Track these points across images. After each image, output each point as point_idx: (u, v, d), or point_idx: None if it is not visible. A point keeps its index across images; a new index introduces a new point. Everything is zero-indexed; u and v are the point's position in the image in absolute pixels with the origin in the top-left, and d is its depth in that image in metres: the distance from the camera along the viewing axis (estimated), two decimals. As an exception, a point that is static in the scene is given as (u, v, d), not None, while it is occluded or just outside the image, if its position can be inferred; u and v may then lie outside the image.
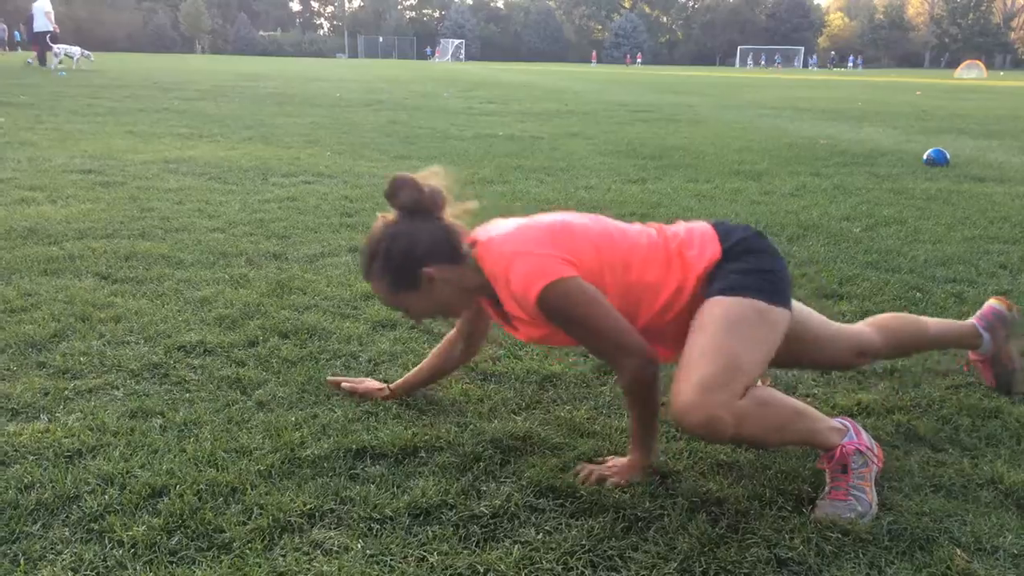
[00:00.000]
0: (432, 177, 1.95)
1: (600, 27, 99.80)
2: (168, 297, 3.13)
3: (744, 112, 13.47)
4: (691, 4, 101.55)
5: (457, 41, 75.68)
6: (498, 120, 10.87)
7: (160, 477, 1.85)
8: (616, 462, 1.95)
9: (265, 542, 1.63)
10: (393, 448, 2.03)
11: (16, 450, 1.94)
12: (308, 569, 1.56)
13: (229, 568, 1.55)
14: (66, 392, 2.28)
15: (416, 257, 1.90)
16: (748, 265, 1.89)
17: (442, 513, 1.76)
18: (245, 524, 1.69)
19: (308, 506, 1.76)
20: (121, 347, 2.62)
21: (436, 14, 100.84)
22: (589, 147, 8.17)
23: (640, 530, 1.73)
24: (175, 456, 1.95)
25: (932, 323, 2.39)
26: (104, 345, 2.62)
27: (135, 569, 1.53)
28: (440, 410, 2.26)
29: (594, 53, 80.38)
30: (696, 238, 1.95)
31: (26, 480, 1.81)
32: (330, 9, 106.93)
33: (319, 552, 1.61)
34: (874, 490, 1.84)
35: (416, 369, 2.36)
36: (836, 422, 1.92)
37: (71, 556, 1.56)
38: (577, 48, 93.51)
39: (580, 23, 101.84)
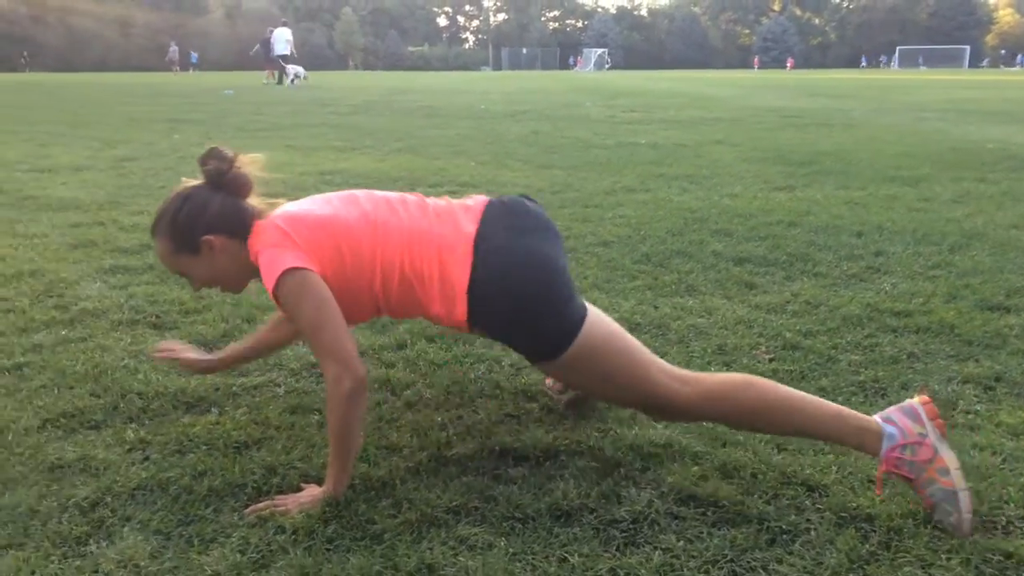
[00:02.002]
0: (250, 163, 2.01)
1: (748, 32, 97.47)
2: (324, 301, 3.30)
3: (903, 115, 12.83)
4: (845, 4, 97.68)
5: (600, 50, 75.68)
6: (641, 128, 10.81)
7: (317, 470, 1.96)
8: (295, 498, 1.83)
9: (414, 535, 1.71)
10: (535, 450, 2.07)
11: (191, 440, 2.11)
12: (454, 563, 1.62)
13: (381, 558, 1.63)
14: (233, 388, 2.45)
15: (202, 224, 1.93)
16: (520, 330, 1.89)
17: (582, 516, 1.78)
18: (395, 517, 1.77)
19: (454, 503, 1.82)
20: (282, 347, 2.78)
21: (579, 24, 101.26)
22: (734, 154, 8.00)
23: (785, 543, 1.69)
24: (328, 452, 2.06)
25: (809, 401, 1.85)
26: (267, 345, 2.79)
27: (295, 554, 1.63)
28: (581, 416, 2.28)
29: (756, 59, 78.62)
30: (449, 269, 1.87)
31: (199, 468, 1.96)
32: (475, 23, 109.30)
33: (464, 547, 1.67)
34: (947, 455, 1.72)
35: (246, 339, 2.39)
36: (861, 418, 1.80)
37: (239, 539, 1.68)
38: (723, 54, 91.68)
39: (726, 28, 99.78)
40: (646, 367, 1.89)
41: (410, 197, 2.04)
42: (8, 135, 9.10)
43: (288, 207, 2.00)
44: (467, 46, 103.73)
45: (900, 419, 1.78)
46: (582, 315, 1.88)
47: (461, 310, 1.86)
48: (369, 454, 2.04)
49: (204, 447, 2.07)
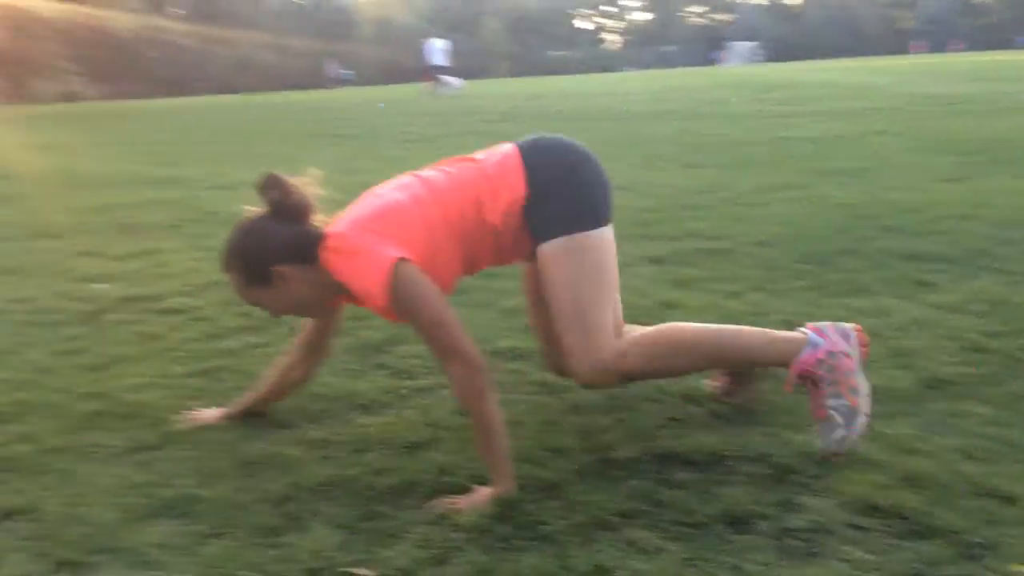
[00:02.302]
0: (306, 184, 2.02)
1: (910, 15, 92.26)
2: (484, 306, 3.39)
3: (1087, 96, 11.83)
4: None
5: (748, 44, 73.67)
6: (794, 122, 10.46)
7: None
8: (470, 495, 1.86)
9: (584, 537, 1.73)
10: (701, 455, 2.05)
11: (368, 440, 2.22)
12: (625, 566, 1.63)
13: (554, 558, 1.66)
14: (402, 390, 2.55)
15: (268, 255, 1.94)
16: (555, 208, 1.99)
17: (756, 523, 1.76)
18: (565, 519, 1.80)
19: (622, 506, 1.83)
20: (446, 352, 2.87)
21: (726, 18, 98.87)
22: (898, 144, 7.62)
23: (979, 557, 1.61)
24: (499, 452, 2.12)
25: (725, 332, 2.09)
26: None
27: (471, 551, 1.69)
28: (747, 419, 2.25)
29: (913, 44, 74.03)
30: (502, 175, 2.03)
31: (377, 466, 2.06)
32: (616, 24, 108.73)
33: (635, 551, 1.68)
34: (860, 380, 1.84)
35: (258, 389, 2.35)
36: (792, 334, 1.92)
37: (419, 536, 1.76)
38: (882, 40, 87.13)
39: (883, 12, 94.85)
40: (604, 307, 2.02)
41: (439, 168, 2.14)
42: (190, 156, 9.80)
43: (349, 215, 2.02)
44: (608, 47, 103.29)
45: (832, 333, 1.90)
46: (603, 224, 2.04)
47: (515, 186, 2.02)
48: (536, 456, 2.09)
49: (380, 447, 2.18)
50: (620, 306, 2.23)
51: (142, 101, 28.60)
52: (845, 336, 1.93)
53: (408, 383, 2.61)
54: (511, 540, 1.74)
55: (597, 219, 2.03)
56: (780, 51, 75.48)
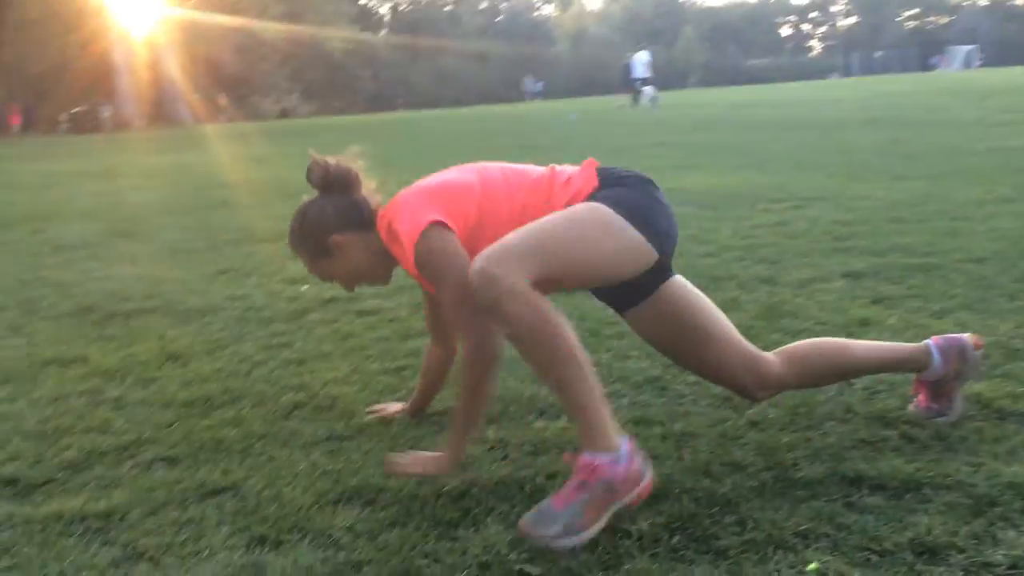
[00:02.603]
0: (348, 158, 2.12)
1: None
2: (666, 317, 3.34)
3: None
4: None
5: (968, 47, 68.44)
6: (1017, 130, 9.61)
7: (660, 480, 1.99)
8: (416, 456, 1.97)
9: (760, 555, 1.67)
10: (893, 480, 1.93)
11: (543, 443, 2.25)
12: (803, 588, 1.56)
13: (725, 573, 1.62)
14: (581, 397, 2.57)
15: (324, 226, 2.06)
16: (619, 191, 1.92)
17: (950, 555, 1.63)
18: (740, 535, 1.75)
19: (802, 527, 1.76)
20: (625, 360, 2.87)
21: (942, 21, 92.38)
22: None
23: None
24: (673, 463, 2.09)
25: (860, 346, 2.25)
26: (611, 358, 2.90)
27: (642, 559, 1.68)
28: (947, 446, 2.09)
29: None
30: (578, 174, 2.01)
31: (551, 469, 2.08)
32: (821, 30, 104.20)
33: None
34: (601, 520, 1.70)
35: (416, 392, 2.47)
36: (615, 432, 1.75)
37: (590, 541, 1.77)
38: (1125, 38, 78.28)
39: None
40: (732, 329, 2.07)
41: (514, 166, 2.14)
42: (389, 167, 10.33)
43: (420, 182, 2.08)
44: (812, 54, 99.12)
45: (636, 465, 1.75)
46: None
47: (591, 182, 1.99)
48: (712, 470, 2.04)
49: (555, 451, 2.20)
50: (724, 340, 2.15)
51: (348, 116, 30.47)
52: (639, 476, 1.77)
53: (586, 390, 2.62)
54: (682, 552, 1.71)
55: (650, 232, 1.89)
56: (1003, 54, 69.59)
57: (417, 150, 13.30)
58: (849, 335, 2.98)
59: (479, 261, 1.71)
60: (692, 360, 2.18)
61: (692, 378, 2.67)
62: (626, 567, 1.66)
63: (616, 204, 1.87)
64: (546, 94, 51.63)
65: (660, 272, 2.05)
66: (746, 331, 3.05)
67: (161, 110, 38.34)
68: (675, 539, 1.75)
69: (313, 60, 47.64)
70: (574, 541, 1.68)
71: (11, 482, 2.18)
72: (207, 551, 1.81)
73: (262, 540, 1.84)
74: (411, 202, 1.97)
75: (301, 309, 3.77)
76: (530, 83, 46.13)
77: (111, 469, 2.23)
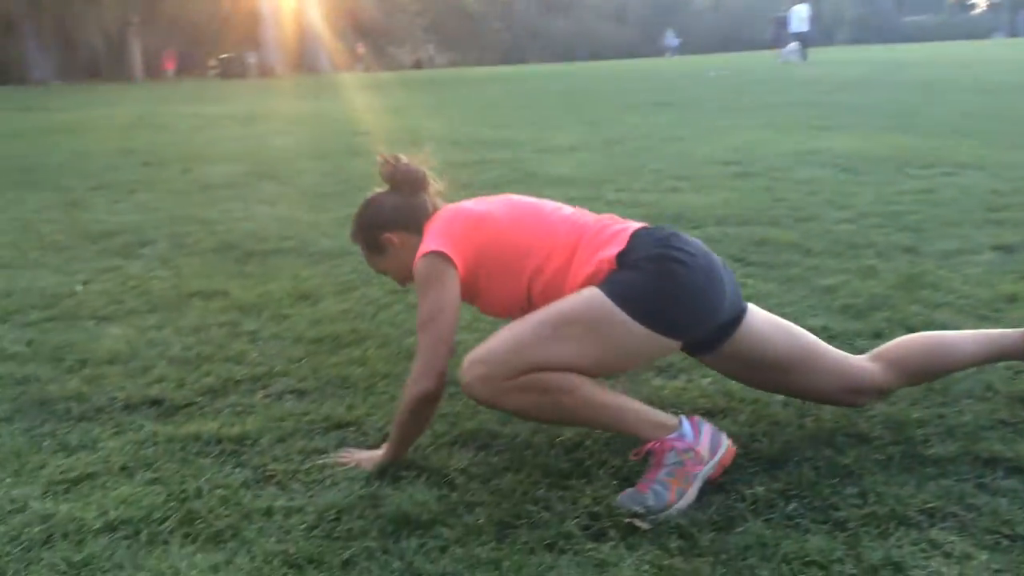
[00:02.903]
0: (419, 159, 2.12)
1: None
2: (796, 282, 3.24)
3: None
4: None
5: None
6: None
7: (779, 447, 1.95)
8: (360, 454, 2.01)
9: (880, 529, 1.62)
10: (1033, 464, 1.82)
11: (660, 401, 2.23)
12: (925, 566, 1.50)
13: (843, 544, 1.57)
14: (701, 358, 2.53)
15: (379, 223, 2.09)
16: (631, 278, 1.81)
17: (1091, 546, 1.53)
18: (860, 508, 1.69)
19: (928, 504, 1.69)
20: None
21: None
22: None
23: None
24: (795, 431, 2.04)
25: (957, 336, 2.15)
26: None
27: (755, 524, 1.65)
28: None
29: None
30: (604, 241, 1.89)
31: (667, 428, 2.07)
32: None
33: (938, 553, 1.54)
34: (689, 490, 1.74)
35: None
36: (665, 417, 1.82)
37: (701, 499, 1.74)
38: None
39: None
40: (845, 360, 1.99)
41: (567, 208, 2.05)
42: (518, 120, 10.35)
43: (459, 204, 2.07)
44: (976, 12, 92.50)
45: (705, 436, 1.80)
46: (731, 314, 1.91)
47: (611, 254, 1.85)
48: (835, 440, 1.98)
49: (672, 409, 2.18)
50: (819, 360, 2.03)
51: (481, 68, 30.59)
52: (703, 447, 1.78)
53: (707, 351, 2.58)
54: (798, 519, 1.67)
55: (664, 326, 1.81)
56: None
57: (549, 104, 13.25)
58: (994, 311, 2.82)
59: (468, 365, 1.79)
60: (783, 389, 2.12)
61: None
62: (738, 530, 1.64)
63: (622, 298, 1.79)
64: (683, 50, 50.22)
65: (722, 331, 1.94)
66: (883, 301, 2.94)
67: (303, 59, 39.51)
68: (791, 506, 1.71)
69: (448, 11, 47.91)
70: (667, 513, 1.71)
71: (156, 403, 2.33)
72: (330, 480, 1.90)
73: (381, 474, 1.91)
74: (438, 225, 2.01)
75: (428, 256, 3.85)
76: (670, 38, 44.82)
77: (245, 397, 2.36)
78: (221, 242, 4.26)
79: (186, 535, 1.70)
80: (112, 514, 1.76)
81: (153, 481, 1.91)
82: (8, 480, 1.93)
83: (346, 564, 1.59)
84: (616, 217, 2.01)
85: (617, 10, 61.57)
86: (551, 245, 1.93)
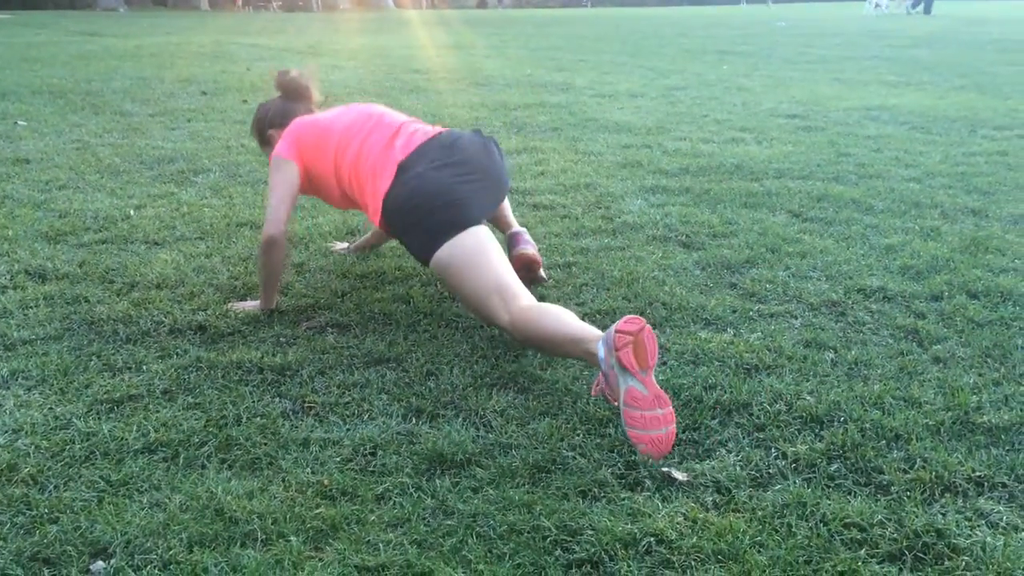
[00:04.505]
0: (307, 75, 2.74)
1: None
2: (854, 240, 3.14)
3: None
4: None
5: None
6: None
7: (825, 406, 1.90)
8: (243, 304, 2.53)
9: (925, 495, 1.57)
10: (1092, 440, 1.75)
11: (705, 354, 2.19)
12: (969, 536, 1.46)
13: (884, 508, 1.53)
14: (750, 313, 2.47)
15: (266, 122, 2.71)
16: (406, 236, 2.31)
17: None
18: (906, 472, 1.64)
19: (977, 473, 1.63)
20: (804, 281, 2.72)
21: None
22: None
23: None
24: (842, 391, 1.98)
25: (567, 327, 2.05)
26: (789, 277, 2.76)
27: (795, 482, 1.62)
28: None
29: None
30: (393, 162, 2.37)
31: (710, 381, 2.03)
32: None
33: (984, 522, 1.49)
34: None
35: (361, 239, 3.05)
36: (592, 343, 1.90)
37: (740, 455, 1.72)
38: None
39: None
40: (488, 293, 2.14)
41: (389, 119, 2.51)
42: (579, 64, 10.15)
43: (310, 116, 2.60)
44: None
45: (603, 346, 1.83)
46: (447, 240, 2.20)
47: (376, 212, 2.35)
48: (884, 402, 1.92)
49: (716, 363, 2.14)
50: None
51: (548, 10, 30.06)
52: (609, 347, 1.77)
53: (757, 306, 2.52)
54: (839, 480, 1.63)
55: (461, 228, 2.21)
56: None
57: (612, 49, 12.97)
58: (1064, 279, 2.69)
59: (519, 319, 2.07)
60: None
61: (875, 305, 2.51)
62: (777, 487, 1.61)
63: (421, 251, 2.27)
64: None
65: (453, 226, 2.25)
66: (944, 263, 2.84)
67: (366, -6, 39.24)
68: (833, 467, 1.67)
69: (516, -50, 47.05)
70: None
71: (201, 329, 2.36)
72: (367, 415, 1.90)
73: (419, 412, 1.91)
74: (283, 134, 2.53)
75: (478, 197, 3.81)
76: None
77: (288, 328, 2.37)
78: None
79: (223, 461, 1.72)
80: (152, 436, 1.79)
81: (194, 406, 1.93)
82: (54, 397, 1.97)
83: (379, 498, 1.60)
84: (420, 124, 2.51)
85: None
86: (361, 160, 2.41)
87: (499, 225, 2.74)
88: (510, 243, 2.67)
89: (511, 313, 2.09)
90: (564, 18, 23.82)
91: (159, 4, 29.74)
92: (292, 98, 2.73)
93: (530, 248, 2.63)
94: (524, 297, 2.13)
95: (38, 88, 7.02)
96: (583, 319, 2.41)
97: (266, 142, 2.74)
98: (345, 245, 3.10)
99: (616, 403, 1.75)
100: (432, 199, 2.26)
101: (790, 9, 29.56)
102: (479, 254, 2.21)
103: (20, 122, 5.54)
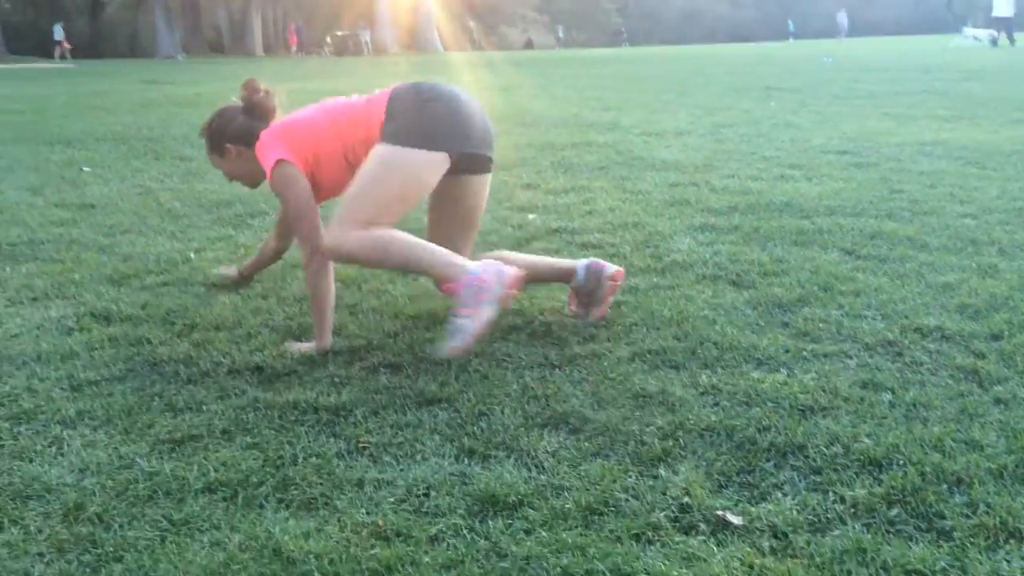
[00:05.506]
0: (275, 94, 2.74)
1: None
2: (909, 278, 3.10)
3: None
4: None
5: None
6: None
7: (884, 449, 1.87)
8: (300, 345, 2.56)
9: (989, 541, 1.53)
10: None
11: (758, 395, 2.17)
12: (1038, 585, 1.42)
13: (947, 555, 1.50)
14: (804, 352, 2.45)
15: (226, 134, 2.69)
16: (394, 123, 2.47)
17: None
18: (968, 518, 1.61)
19: (1045, 519, 1.59)
20: (858, 320, 2.69)
21: None
22: None
23: None
24: (901, 433, 1.95)
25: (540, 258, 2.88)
26: (842, 316, 2.73)
27: (854, 527, 1.59)
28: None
29: None
30: (375, 108, 2.53)
31: (764, 422, 2.01)
32: None
33: (1053, 572, 1.45)
34: (483, 309, 2.28)
35: (249, 263, 3.16)
36: (462, 260, 2.40)
37: (796, 498, 1.69)
38: None
39: None
40: (354, 212, 2.42)
41: (346, 100, 2.64)
42: (625, 102, 10.21)
43: (288, 118, 2.64)
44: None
45: (488, 274, 2.31)
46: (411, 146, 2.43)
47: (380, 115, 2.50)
48: (944, 444, 1.88)
49: (770, 403, 2.12)
50: (470, 241, 2.77)
51: (593, 49, 30.34)
52: (501, 278, 2.32)
53: (811, 346, 2.49)
54: (900, 526, 1.60)
55: (429, 143, 2.43)
56: None
57: (658, 87, 13.04)
58: None
59: (325, 239, 2.42)
60: (450, 244, 2.61)
61: (933, 345, 2.47)
62: (835, 532, 1.58)
63: (395, 137, 2.43)
64: (799, 35, 48.48)
65: (469, 162, 2.56)
66: (1003, 302, 2.79)
67: (415, 37, 40.01)
68: (893, 512, 1.64)
69: (561, -8, 47.72)
70: (472, 333, 2.27)
71: (258, 369, 2.41)
72: (420, 455, 1.92)
73: (471, 452, 1.92)
74: (267, 142, 2.55)
75: (526, 237, 3.84)
76: (842, 17, 41.76)
77: (342, 368, 2.41)
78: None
79: (280, 500, 1.75)
80: (212, 475, 1.82)
81: (252, 446, 1.97)
82: (118, 437, 2.02)
83: (433, 540, 1.61)
84: (383, 91, 2.60)
85: (733, -8, 59.99)
86: (353, 124, 2.53)
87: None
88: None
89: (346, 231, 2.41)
90: (608, 57, 24.00)
91: (216, 51, 30.60)
92: (257, 117, 2.70)
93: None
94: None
95: (102, 135, 7.28)
96: (632, 359, 2.42)
97: (219, 152, 2.72)
98: (235, 270, 3.20)
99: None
100: (443, 103, 2.51)
101: (862, 44, 29.38)
102: (420, 181, 2.47)
103: (85, 168, 5.75)
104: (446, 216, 2.72)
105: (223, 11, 42.01)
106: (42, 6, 40.90)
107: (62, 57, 32.31)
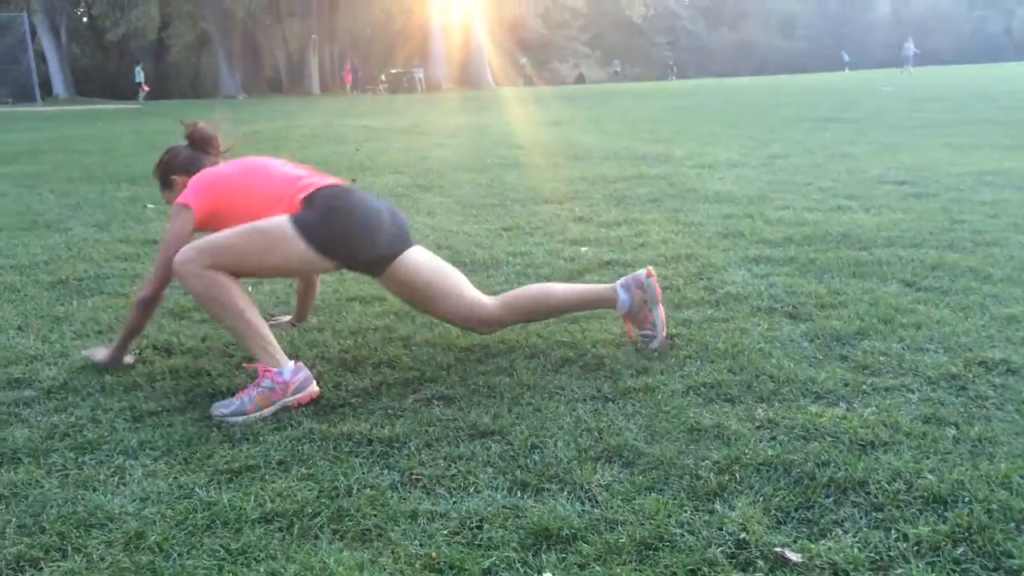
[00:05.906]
0: (213, 125, 2.94)
1: None
2: (972, 310, 3.02)
3: None
4: None
5: None
6: None
7: (948, 486, 1.82)
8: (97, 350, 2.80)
9: (1061, 584, 1.47)
10: None
11: (816, 429, 2.12)
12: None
13: (1018, 597, 1.44)
14: (863, 386, 2.39)
15: (172, 167, 2.87)
16: (308, 214, 2.50)
17: None
18: (1039, 559, 1.55)
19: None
20: (920, 353, 2.63)
21: None
22: None
23: None
24: (966, 469, 1.89)
25: (559, 289, 2.81)
26: (903, 348, 2.67)
27: (917, 566, 1.54)
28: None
29: None
30: (295, 190, 2.59)
31: (822, 457, 1.97)
32: None
33: None
34: (267, 409, 2.35)
35: (295, 310, 3.24)
36: (281, 356, 2.43)
37: (857, 536, 1.65)
38: None
39: None
40: (475, 296, 2.69)
41: (286, 172, 2.68)
42: (677, 135, 10.21)
43: (212, 168, 2.76)
44: None
45: (299, 377, 2.40)
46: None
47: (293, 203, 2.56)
48: (1011, 481, 1.82)
49: (829, 438, 2.07)
50: (466, 285, 2.75)
51: (644, 83, 30.41)
52: (303, 387, 2.41)
53: (871, 380, 2.44)
54: (966, 564, 1.55)
55: (322, 247, 2.47)
56: None
57: (710, 119, 13.00)
58: None
59: (179, 255, 2.42)
60: (426, 311, 2.78)
61: (999, 379, 2.40)
62: (898, 570, 1.54)
63: (297, 224, 2.46)
64: (856, 65, 47.98)
65: (380, 262, 2.62)
66: (1071, 334, 2.69)
67: (467, 73, 40.60)
68: (959, 550, 1.59)
69: (613, 25, 47.98)
70: (241, 420, 2.30)
71: (314, 401, 2.44)
72: (473, 487, 1.92)
73: (524, 485, 1.92)
74: (188, 183, 2.68)
75: (579, 269, 3.84)
76: (909, 49, 42.51)
77: (396, 400, 2.43)
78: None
79: (335, 531, 1.76)
80: (268, 506, 1.85)
81: (307, 477, 1.99)
82: (178, 467, 2.06)
83: (486, 573, 1.60)
84: (317, 173, 2.69)
85: (784, 23, 59.65)
86: (262, 196, 2.58)
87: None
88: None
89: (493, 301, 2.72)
90: (659, 91, 24.01)
91: (275, 91, 31.39)
92: (199, 147, 2.89)
93: None
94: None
95: (165, 172, 7.49)
96: (687, 392, 2.39)
97: (168, 185, 2.88)
98: (288, 317, 3.24)
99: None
100: (351, 215, 2.54)
101: (920, 73, 29.01)
102: (271, 251, 2.48)
103: (149, 205, 5.92)
104: (419, 292, 2.69)
105: (282, 51, 43.12)
106: (110, 50, 42.49)
107: (144, 98, 33.66)
